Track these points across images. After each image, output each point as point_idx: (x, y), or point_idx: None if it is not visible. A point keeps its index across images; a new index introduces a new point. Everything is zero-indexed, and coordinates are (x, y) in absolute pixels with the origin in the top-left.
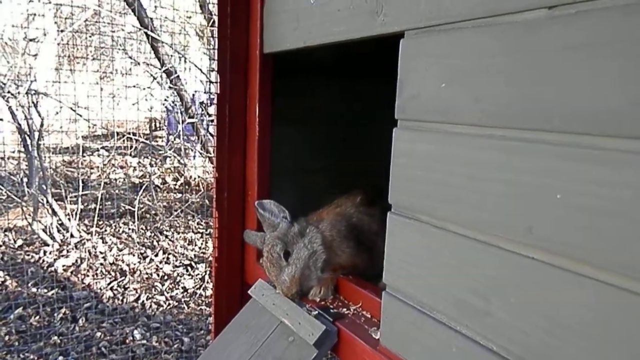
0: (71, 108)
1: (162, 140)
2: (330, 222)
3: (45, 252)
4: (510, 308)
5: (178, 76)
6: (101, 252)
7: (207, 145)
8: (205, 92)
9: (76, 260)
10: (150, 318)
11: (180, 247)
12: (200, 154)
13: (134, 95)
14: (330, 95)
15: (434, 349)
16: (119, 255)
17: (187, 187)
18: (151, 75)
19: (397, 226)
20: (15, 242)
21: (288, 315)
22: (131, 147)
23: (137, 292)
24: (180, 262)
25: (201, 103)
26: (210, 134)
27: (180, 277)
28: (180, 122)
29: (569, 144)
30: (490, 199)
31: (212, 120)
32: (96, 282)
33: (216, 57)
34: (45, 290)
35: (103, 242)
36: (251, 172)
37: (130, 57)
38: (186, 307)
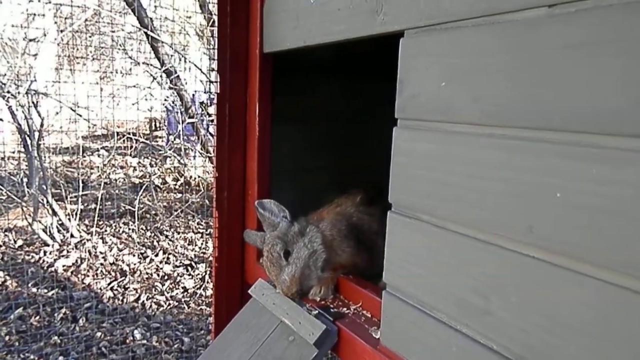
0: (71, 108)
1: (162, 140)
2: (331, 221)
3: (45, 252)
4: (510, 307)
5: (178, 76)
6: (101, 252)
7: (207, 145)
8: (205, 92)
9: (76, 261)
10: (151, 318)
11: (181, 247)
12: (200, 154)
13: (134, 95)
14: (330, 94)
15: (434, 348)
16: (119, 256)
17: (187, 187)
18: (151, 75)
19: (397, 225)
20: (15, 242)
21: (288, 315)
22: (131, 147)
23: (137, 292)
24: (181, 262)
25: (201, 103)
26: (210, 133)
27: (181, 277)
28: (180, 122)
29: (568, 142)
30: (491, 198)
31: (212, 120)
32: (96, 282)
33: (216, 57)
34: (46, 291)
35: (103, 242)
36: (251, 171)
37: (130, 57)
38: (186, 307)
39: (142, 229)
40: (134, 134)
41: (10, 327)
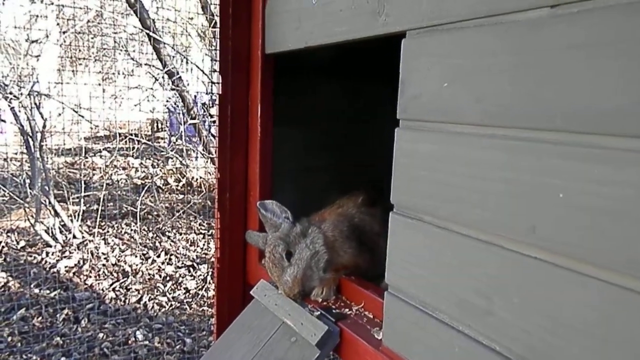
0: (73, 109)
1: (164, 142)
2: (332, 222)
3: (47, 253)
4: (513, 308)
5: (180, 77)
6: (103, 253)
7: (209, 146)
8: (207, 93)
9: (78, 261)
10: (153, 319)
11: (182, 248)
12: (202, 155)
13: (136, 96)
14: (331, 94)
15: (436, 349)
16: (121, 256)
17: (189, 188)
18: (153, 76)
19: (399, 226)
20: (17, 243)
21: (290, 316)
22: (133, 148)
23: (139, 293)
24: (182, 263)
25: (203, 104)
26: (212, 135)
27: (183, 278)
28: (182, 123)
29: (571, 143)
30: (493, 199)
31: (213, 121)
32: (98, 283)
33: (218, 58)
34: (48, 291)
35: (105, 243)
36: (253, 172)
37: (132, 59)
38: (188, 308)
39: (144, 230)
40: (136, 135)
41: (13, 327)
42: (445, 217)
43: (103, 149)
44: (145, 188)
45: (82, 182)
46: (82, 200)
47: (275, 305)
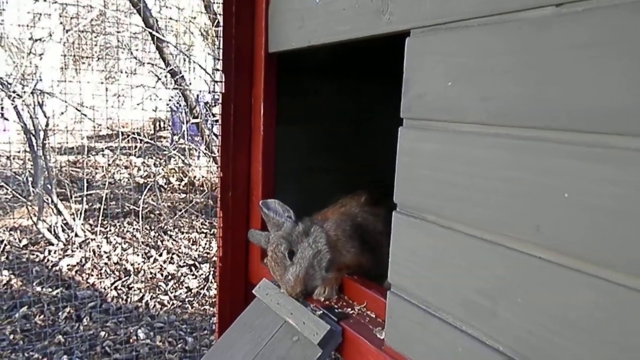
0: (76, 108)
1: (167, 141)
2: (335, 221)
3: (50, 252)
4: (517, 308)
5: (182, 76)
6: (105, 252)
7: (211, 146)
8: (209, 92)
9: (81, 260)
10: (154, 318)
11: (184, 247)
12: (205, 154)
13: (138, 95)
14: (333, 94)
15: (439, 349)
16: (123, 255)
17: (191, 187)
18: (156, 75)
19: (402, 226)
20: (20, 241)
21: (292, 315)
22: (136, 147)
23: (141, 291)
24: (184, 262)
25: (205, 103)
26: (214, 134)
27: (184, 277)
28: (185, 122)
29: (576, 142)
30: (497, 199)
31: (216, 120)
32: (100, 282)
33: (221, 57)
34: (50, 290)
35: (107, 242)
36: (256, 171)
37: (135, 58)
38: (190, 307)
39: (146, 228)
40: (139, 134)
41: (15, 325)
42: (449, 216)
43: (106, 148)
44: (148, 187)
45: (85, 180)
46: (84, 198)
47: (278, 304)
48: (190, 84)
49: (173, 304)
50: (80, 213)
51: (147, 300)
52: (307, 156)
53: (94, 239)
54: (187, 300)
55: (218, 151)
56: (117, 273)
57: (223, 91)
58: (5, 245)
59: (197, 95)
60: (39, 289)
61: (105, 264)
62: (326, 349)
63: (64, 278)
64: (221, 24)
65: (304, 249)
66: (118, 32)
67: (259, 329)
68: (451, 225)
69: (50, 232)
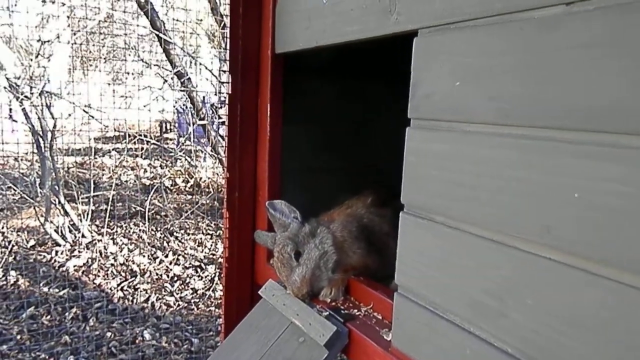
0: (83, 110)
1: (173, 142)
2: (341, 222)
3: (57, 252)
4: (526, 309)
5: (189, 78)
6: (112, 253)
7: (217, 147)
8: (215, 94)
9: (87, 261)
10: (160, 319)
11: (190, 248)
12: (211, 155)
13: (145, 97)
14: (338, 94)
15: (447, 351)
16: (129, 256)
17: (197, 188)
18: (162, 77)
19: (410, 226)
20: (27, 242)
21: (298, 316)
22: (142, 148)
23: (147, 292)
24: (190, 264)
25: (212, 105)
26: (220, 136)
27: (190, 278)
28: (191, 124)
29: (586, 142)
30: (507, 199)
31: (222, 122)
32: (107, 283)
33: (227, 57)
34: (57, 290)
35: (114, 243)
36: (262, 172)
37: (142, 60)
38: (195, 308)
39: (152, 230)
40: (145, 136)
41: (22, 325)
42: (457, 217)
43: (112, 150)
44: (154, 188)
45: (92, 182)
46: (91, 200)
47: (284, 305)
48: (196, 86)
49: (179, 305)
50: (87, 214)
51: (153, 301)
52: (309, 157)
53: (101, 240)
54: (192, 301)
55: (224, 152)
56: (123, 274)
57: (230, 92)
58: (13, 245)
59: (204, 97)
60: (46, 289)
61: (112, 264)
62: (332, 350)
63: (70, 279)
64: (228, 25)
65: (311, 250)
66: (125, 34)
67: (265, 330)
68: (459, 226)
69: (58, 233)
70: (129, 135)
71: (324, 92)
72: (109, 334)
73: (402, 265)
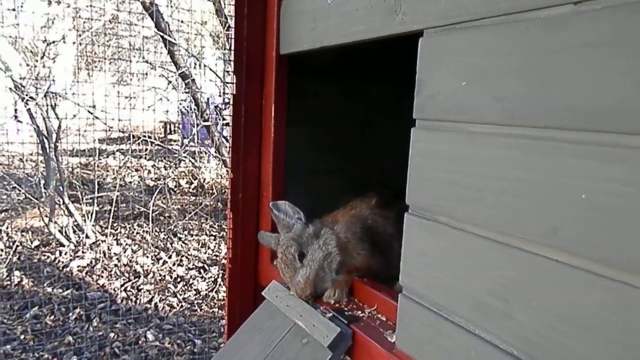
0: (88, 111)
1: (177, 144)
2: (345, 224)
3: (60, 253)
4: (531, 311)
5: (193, 79)
6: (115, 254)
7: (221, 149)
8: (219, 96)
9: (91, 261)
10: (163, 320)
11: (194, 249)
12: (215, 157)
13: (150, 98)
14: (342, 95)
15: (451, 353)
16: (133, 257)
17: (200, 190)
18: (167, 78)
19: (414, 227)
20: (31, 242)
21: (302, 317)
22: (146, 150)
23: (150, 293)
24: (194, 265)
25: (216, 107)
26: (224, 137)
27: (193, 279)
28: (195, 125)
29: (594, 142)
30: (513, 200)
31: (226, 124)
32: (110, 283)
33: (232, 58)
34: (61, 290)
35: (117, 244)
36: (266, 173)
37: (147, 61)
38: (199, 310)
39: (156, 231)
40: (149, 137)
41: (26, 325)
42: (462, 218)
43: (117, 151)
44: (158, 189)
45: (96, 182)
46: (95, 200)
47: (287, 306)
48: (201, 87)
49: (182, 306)
50: (91, 215)
51: (156, 302)
52: (313, 158)
53: (105, 241)
54: (196, 302)
55: (228, 153)
56: (126, 275)
57: (234, 92)
58: (18, 246)
59: (208, 99)
60: (49, 289)
61: (115, 265)
62: (336, 352)
63: (74, 279)
64: (232, 27)
65: (314, 251)
66: (130, 35)
67: (268, 331)
68: (464, 227)
69: (62, 233)
70: (133, 137)
71: (327, 93)
72: (112, 334)
73: (407, 266)
